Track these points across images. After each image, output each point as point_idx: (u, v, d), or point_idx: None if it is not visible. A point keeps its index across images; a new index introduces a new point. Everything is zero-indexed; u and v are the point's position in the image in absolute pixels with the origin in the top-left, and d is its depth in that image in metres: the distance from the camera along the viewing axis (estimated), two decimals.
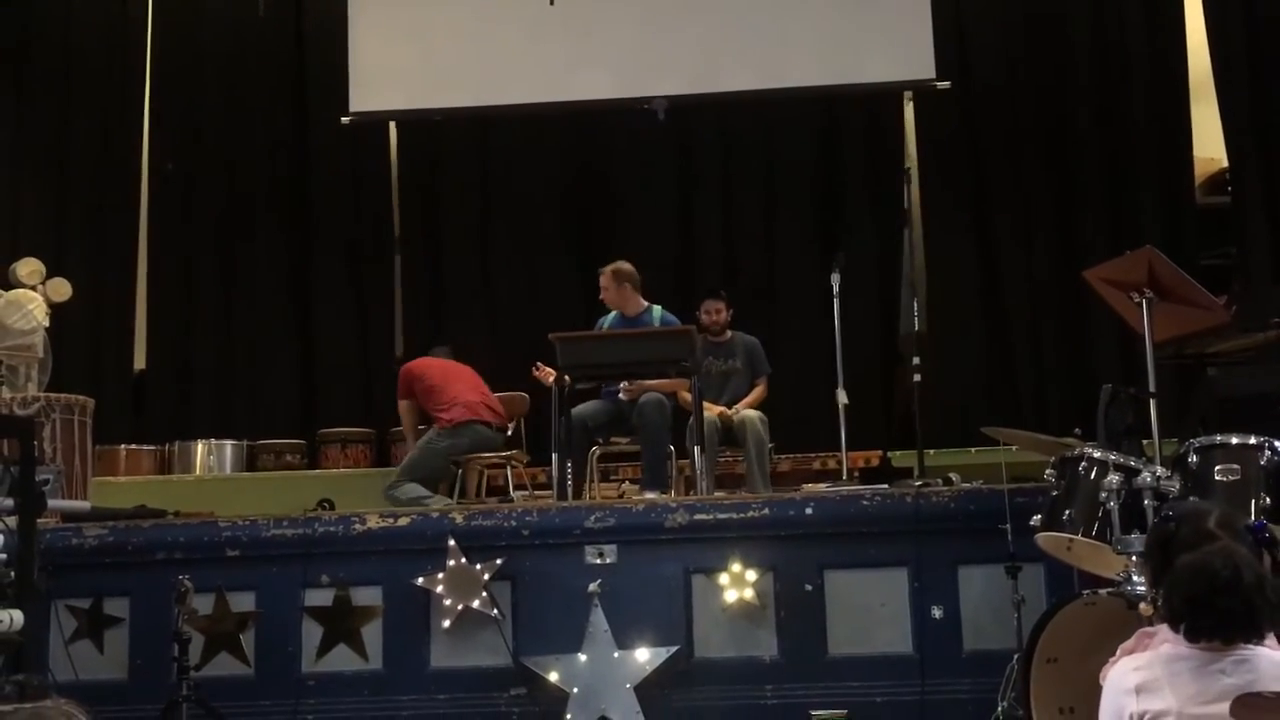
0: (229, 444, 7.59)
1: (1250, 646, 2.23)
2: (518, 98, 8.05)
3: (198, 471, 7.44)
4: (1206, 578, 2.21)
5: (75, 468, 5.34)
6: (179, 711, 4.15)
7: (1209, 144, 8.21)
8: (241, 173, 8.50)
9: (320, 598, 4.66)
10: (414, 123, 8.44)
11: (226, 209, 8.45)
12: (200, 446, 7.51)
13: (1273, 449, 3.43)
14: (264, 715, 4.56)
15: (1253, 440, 3.46)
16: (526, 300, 8.03)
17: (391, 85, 8.11)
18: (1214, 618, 2.21)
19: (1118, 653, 2.50)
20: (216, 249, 8.43)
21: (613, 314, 6.19)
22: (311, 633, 4.65)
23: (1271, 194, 7.88)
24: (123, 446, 7.44)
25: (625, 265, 6.12)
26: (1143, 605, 3.15)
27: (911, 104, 8.07)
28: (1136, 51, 8.25)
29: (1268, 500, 3.38)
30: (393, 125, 8.46)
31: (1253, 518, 3.33)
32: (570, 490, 5.45)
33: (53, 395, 5.52)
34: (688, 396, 5.71)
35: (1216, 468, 3.45)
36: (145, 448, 7.54)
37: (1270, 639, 2.33)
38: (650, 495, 5.56)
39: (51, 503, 4.51)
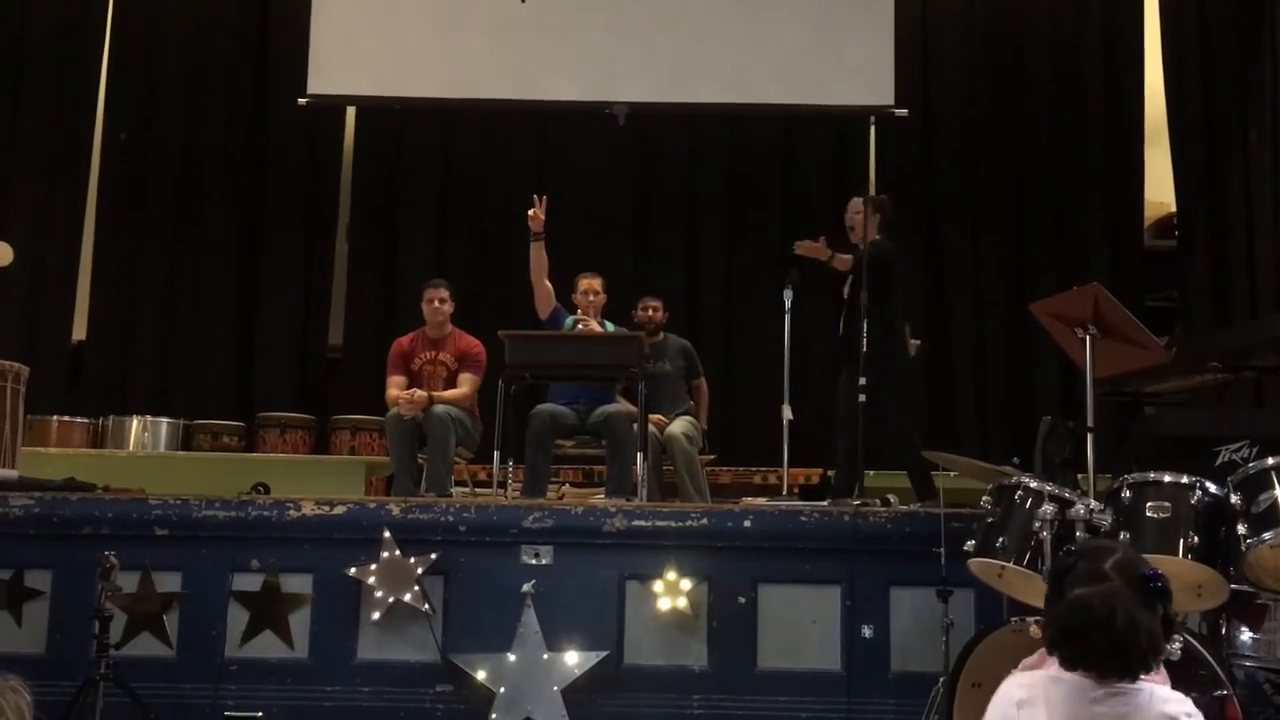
0: (165, 421, 7.46)
1: (1130, 683, 2.31)
2: (482, 93, 8.04)
3: (131, 448, 7.30)
4: (1082, 614, 2.31)
5: (5, 435, 5.22)
6: (96, 690, 4.06)
7: (1160, 188, 8.38)
8: (196, 148, 8.36)
9: (249, 582, 4.58)
10: (373, 110, 8.39)
11: (179, 184, 8.32)
12: (135, 422, 7.37)
13: (1204, 489, 3.48)
14: (184, 698, 4.48)
15: (1185, 479, 3.52)
16: (478, 295, 7.97)
17: (353, 70, 8.05)
18: (1082, 652, 2.31)
19: (1019, 665, 2.63)
20: (166, 224, 8.30)
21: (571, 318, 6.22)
22: (237, 617, 4.57)
23: (1216, 240, 8.04)
24: (55, 418, 7.28)
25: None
26: (1034, 626, 3.23)
27: (873, 129, 8.15)
28: (1094, 94, 8.40)
29: (1196, 539, 3.43)
30: (350, 111, 8.41)
31: (1181, 555, 3.40)
32: (535, 489, 5.53)
33: None
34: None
35: (1148, 504, 3.51)
36: (79, 420, 7.38)
37: (1162, 674, 2.43)
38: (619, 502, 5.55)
39: None
